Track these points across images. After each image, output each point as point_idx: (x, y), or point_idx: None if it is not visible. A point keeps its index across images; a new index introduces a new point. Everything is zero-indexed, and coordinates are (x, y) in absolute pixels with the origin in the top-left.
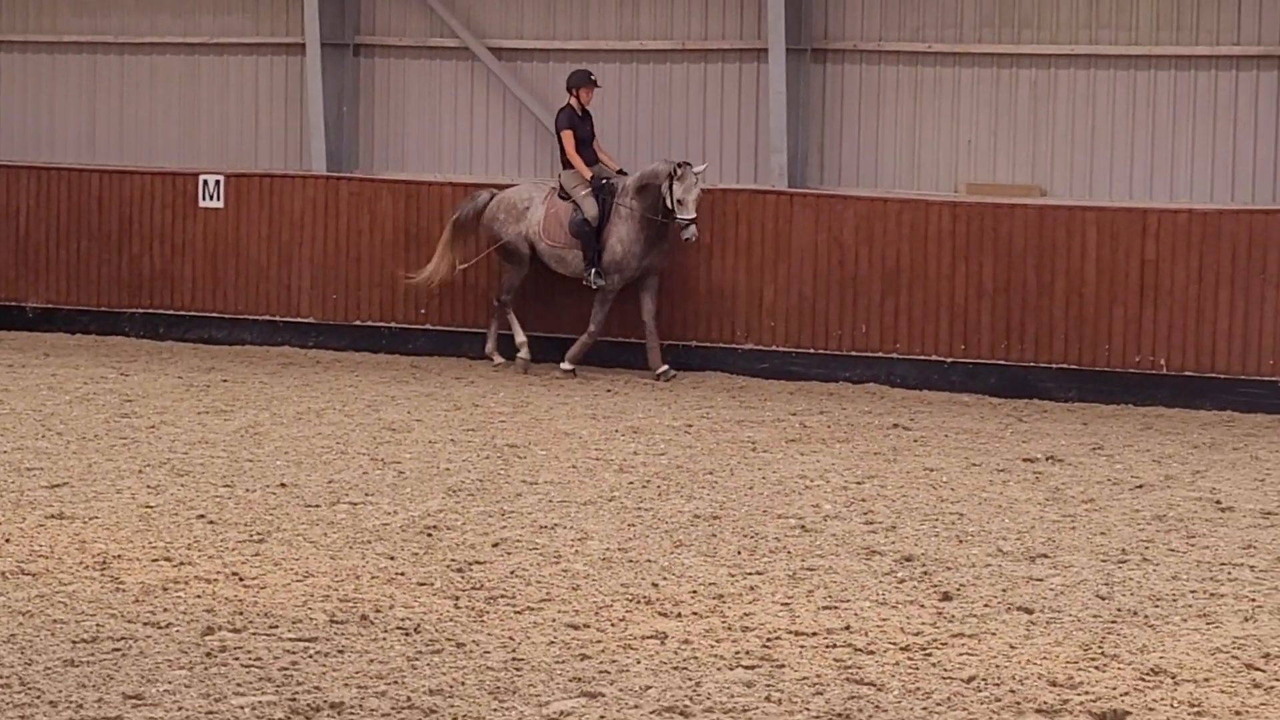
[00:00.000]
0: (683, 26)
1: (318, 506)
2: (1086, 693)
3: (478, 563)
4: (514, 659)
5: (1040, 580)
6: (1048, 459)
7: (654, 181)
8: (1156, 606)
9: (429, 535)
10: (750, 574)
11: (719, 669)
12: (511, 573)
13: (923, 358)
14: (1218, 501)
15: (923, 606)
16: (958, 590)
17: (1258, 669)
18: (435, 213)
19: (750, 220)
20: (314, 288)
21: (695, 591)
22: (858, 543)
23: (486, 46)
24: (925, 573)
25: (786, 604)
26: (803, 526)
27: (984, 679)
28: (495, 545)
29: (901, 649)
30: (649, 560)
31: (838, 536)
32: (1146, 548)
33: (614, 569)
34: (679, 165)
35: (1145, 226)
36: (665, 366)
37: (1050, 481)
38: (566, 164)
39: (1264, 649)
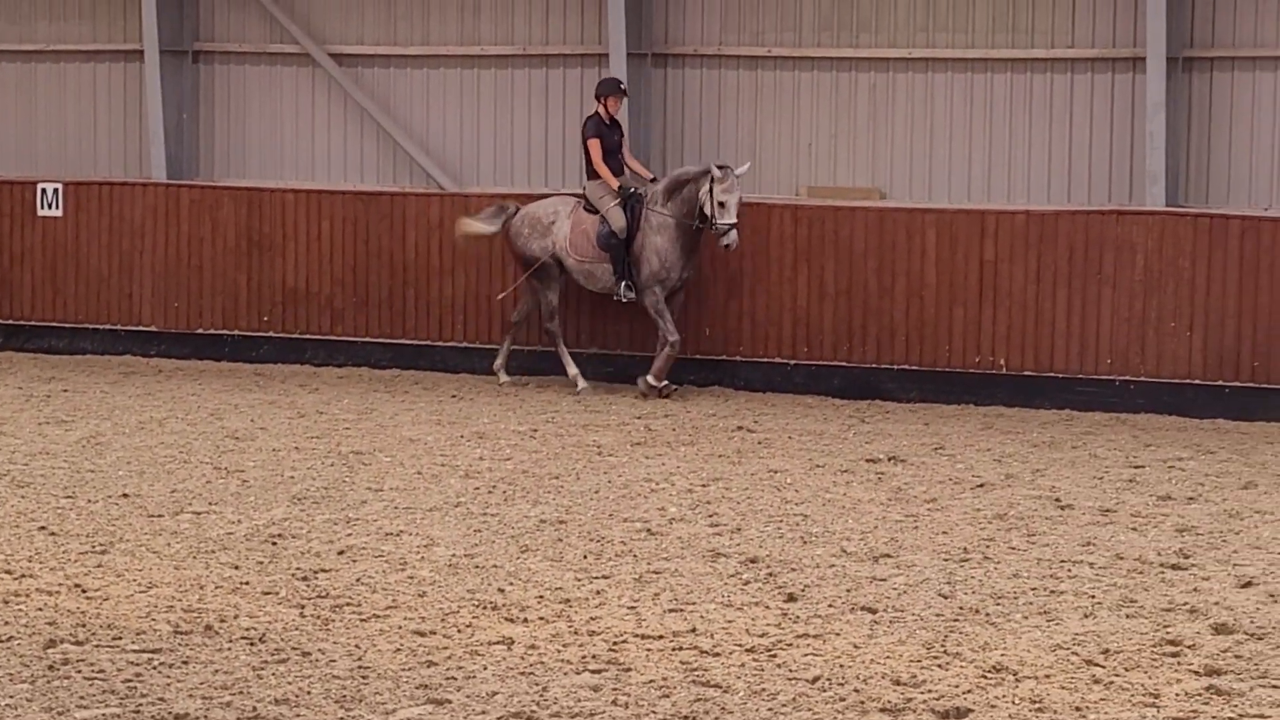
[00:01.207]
0: (524, 31)
1: (161, 516)
2: (929, 691)
3: (323, 571)
4: (360, 667)
5: (883, 580)
6: (890, 459)
7: (686, 183)
8: (998, 604)
9: (273, 544)
10: (596, 578)
11: (565, 673)
12: (357, 580)
13: (766, 360)
14: (1057, 499)
15: (768, 608)
16: (802, 591)
17: (1097, 665)
18: (278, 219)
19: None
20: (155, 296)
21: (542, 596)
22: (703, 545)
23: (327, 52)
24: (770, 574)
25: (633, 607)
26: (648, 530)
27: (829, 679)
28: (340, 553)
29: (747, 650)
30: (495, 566)
31: (683, 539)
32: (988, 546)
33: (460, 575)
34: (720, 167)
35: (984, 228)
36: (665, 382)
37: (893, 482)
38: (593, 174)
39: (1103, 645)
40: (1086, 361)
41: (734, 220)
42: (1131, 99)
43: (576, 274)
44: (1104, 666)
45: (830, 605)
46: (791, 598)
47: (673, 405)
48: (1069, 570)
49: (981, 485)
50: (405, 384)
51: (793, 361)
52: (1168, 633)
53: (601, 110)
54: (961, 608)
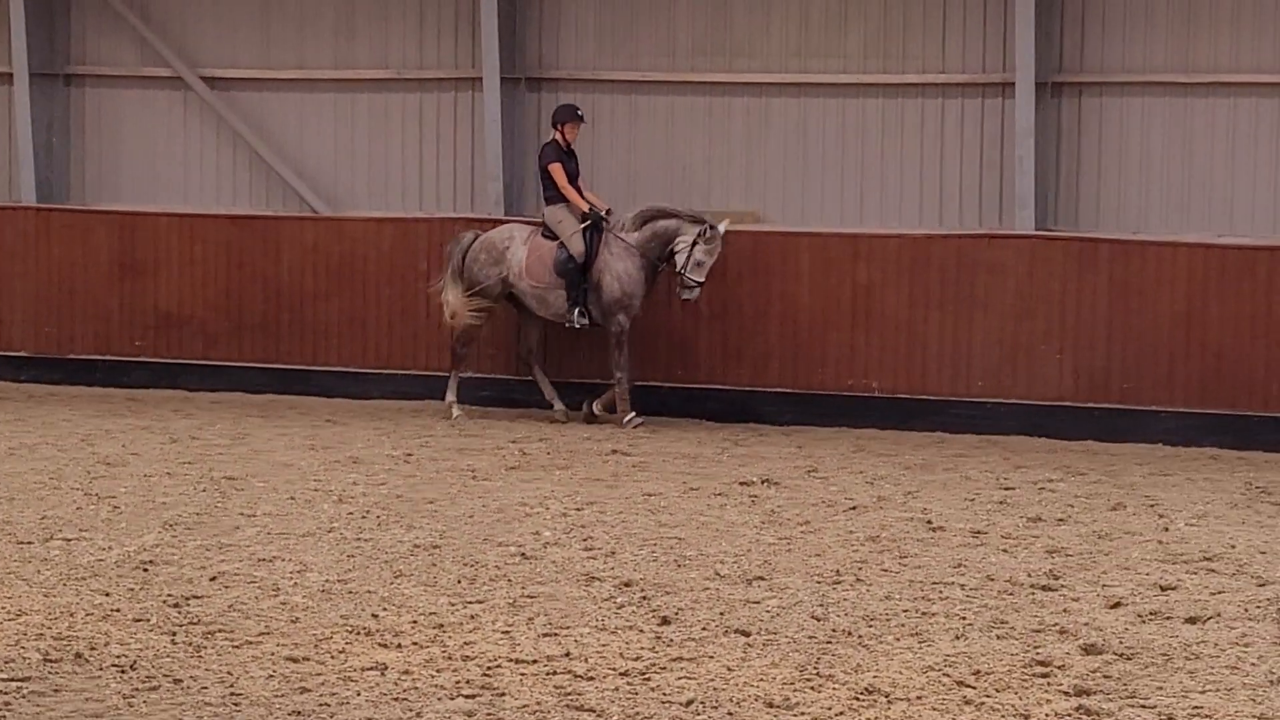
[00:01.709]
0: (398, 55)
1: (30, 543)
2: (802, 713)
3: (195, 597)
4: (232, 694)
5: (757, 602)
6: (764, 482)
7: (663, 220)
8: (870, 626)
9: (145, 570)
10: (471, 603)
11: (439, 699)
12: (229, 606)
13: (641, 383)
14: (929, 521)
15: (642, 631)
16: (676, 614)
17: (969, 686)
18: (151, 243)
19: None
20: (26, 320)
21: (415, 621)
22: (577, 569)
23: (200, 76)
24: (644, 597)
25: (507, 632)
26: (523, 554)
27: (702, 702)
28: (213, 579)
29: (621, 674)
30: (369, 591)
31: (558, 563)
32: (860, 568)
33: (334, 600)
34: (709, 226)
35: (857, 252)
36: (633, 414)
37: (767, 504)
38: (550, 200)
39: (974, 666)
40: (959, 384)
41: (703, 280)
42: (1002, 124)
43: (529, 299)
44: (975, 687)
45: (704, 628)
46: (666, 621)
47: (548, 429)
48: (940, 592)
49: (854, 508)
50: (280, 409)
51: (668, 384)
52: (1038, 653)
53: (559, 137)
54: (834, 630)
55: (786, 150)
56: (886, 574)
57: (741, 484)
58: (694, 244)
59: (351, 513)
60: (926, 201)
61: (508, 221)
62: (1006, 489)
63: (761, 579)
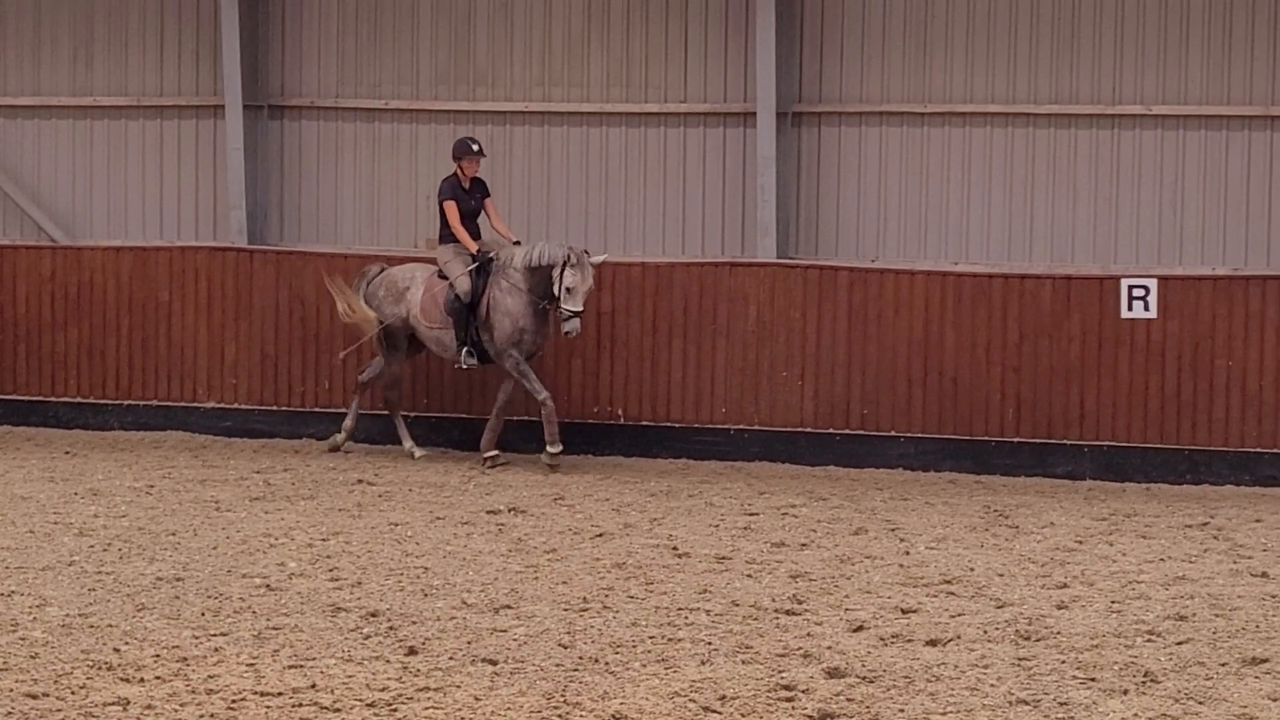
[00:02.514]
0: (138, 82)
1: None
2: None
3: None
4: None
5: (504, 631)
6: (511, 510)
7: (544, 264)
8: (617, 653)
9: None
10: (215, 635)
11: None
12: None
13: (386, 413)
14: (675, 548)
15: (388, 662)
16: (423, 644)
17: (714, 711)
18: None
19: (210, 277)
20: None
21: (158, 655)
22: (323, 600)
23: None
24: (391, 628)
25: (252, 664)
26: (268, 585)
27: None
28: None
29: (368, 705)
30: (110, 625)
31: (303, 594)
32: (607, 595)
33: (74, 635)
34: (574, 252)
35: (600, 280)
36: (495, 452)
37: (513, 533)
38: (443, 239)
39: (720, 691)
40: (702, 411)
41: (579, 308)
42: (744, 152)
43: (428, 341)
44: (720, 713)
45: (451, 657)
46: (412, 651)
47: (293, 460)
48: (686, 618)
49: (601, 535)
50: (16, 440)
51: (413, 414)
52: (782, 678)
53: (458, 172)
54: (581, 657)
55: (530, 179)
56: (633, 601)
57: (488, 512)
58: (562, 271)
59: (92, 545)
60: (669, 229)
61: (260, 249)
62: (750, 515)
63: (508, 607)
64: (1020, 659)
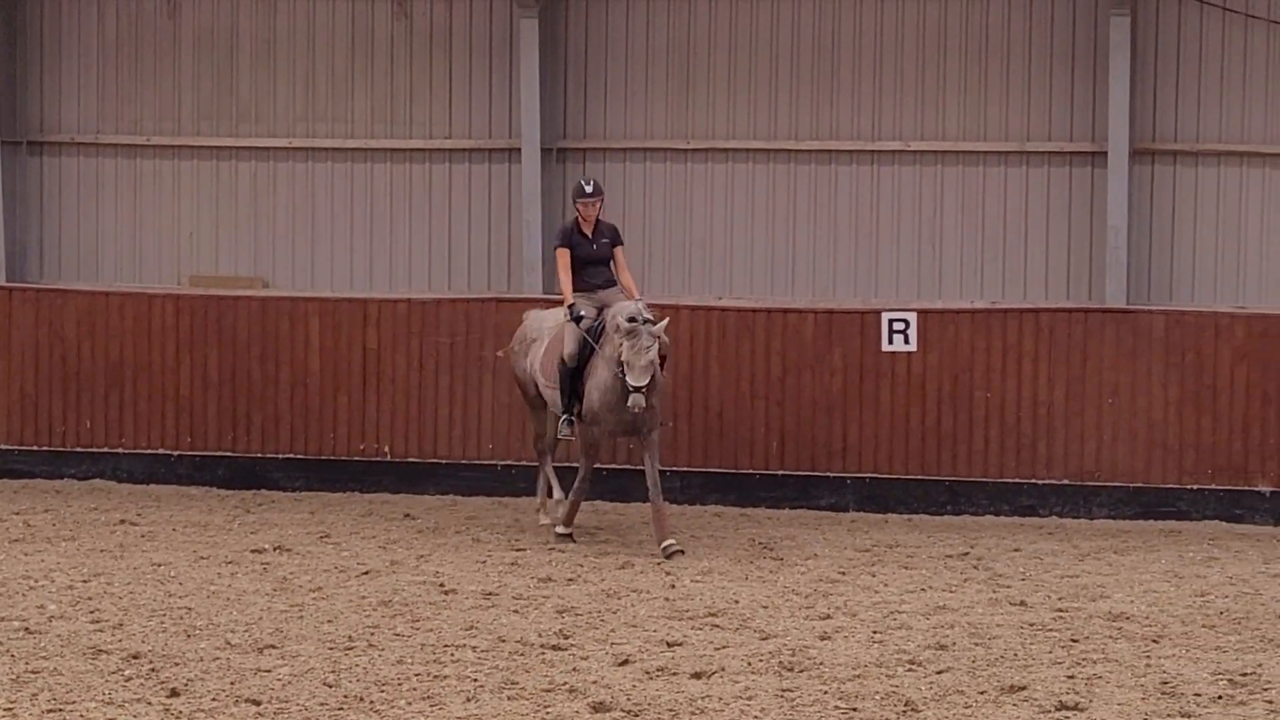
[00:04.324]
0: None
1: None
2: None
3: None
4: None
5: (269, 671)
6: (276, 549)
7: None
8: (382, 691)
9: None
10: None
11: None
12: None
13: (149, 451)
14: (441, 584)
15: (150, 704)
16: (186, 685)
17: None
18: None
19: None
20: None
21: None
22: (84, 642)
23: None
24: (153, 669)
25: (9, 709)
26: (26, 628)
27: None
28: None
29: None
30: None
31: (63, 637)
32: (373, 633)
33: None
34: (630, 320)
35: (366, 316)
36: (670, 540)
37: (279, 571)
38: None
39: None
40: (470, 447)
41: (637, 383)
42: (509, 188)
43: (547, 398)
44: None
45: (214, 699)
46: (175, 693)
47: (54, 500)
48: (452, 654)
49: (367, 572)
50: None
51: (176, 452)
52: (548, 713)
53: (578, 215)
54: (346, 696)
55: (294, 215)
56: (399, 638)
57: (253, 551)
58: (621, 346)
59: None
60: (435, 265)
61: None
62: (518, 550)
63: (273, 647)
64: (784, 690)
